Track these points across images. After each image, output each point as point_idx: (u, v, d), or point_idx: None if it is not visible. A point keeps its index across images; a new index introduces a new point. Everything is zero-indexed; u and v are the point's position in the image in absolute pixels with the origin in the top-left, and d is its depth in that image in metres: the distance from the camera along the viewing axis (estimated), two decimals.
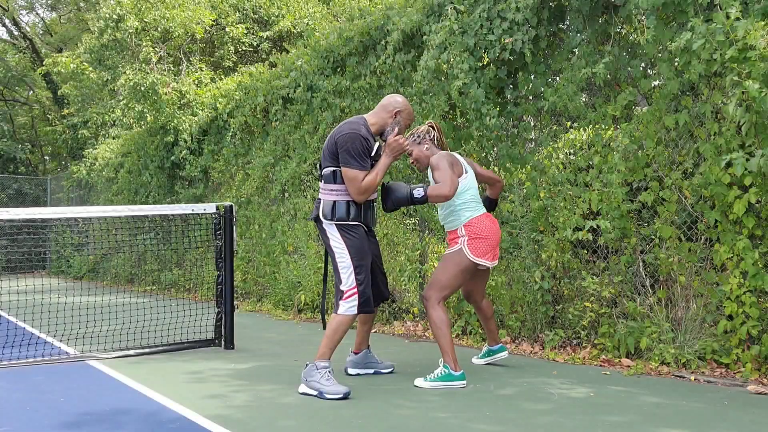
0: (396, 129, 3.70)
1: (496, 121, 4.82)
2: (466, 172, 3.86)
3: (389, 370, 4.08)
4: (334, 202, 3.63)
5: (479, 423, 2.94)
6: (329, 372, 3.52)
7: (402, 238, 6.06)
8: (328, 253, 3.71)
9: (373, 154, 3.66)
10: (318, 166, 3.76)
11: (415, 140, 3.93)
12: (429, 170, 3.85)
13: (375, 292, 3.82)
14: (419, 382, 3.69)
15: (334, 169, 3.62)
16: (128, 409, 3.26)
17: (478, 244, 3.74)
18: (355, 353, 4.05)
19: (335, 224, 3.63)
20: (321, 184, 3.71)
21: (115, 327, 6.11)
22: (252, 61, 12.14)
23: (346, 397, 3.40)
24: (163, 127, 10.45)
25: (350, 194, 3.61)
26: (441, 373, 3.65)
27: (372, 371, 4.05)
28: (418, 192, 3.66)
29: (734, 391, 3.48)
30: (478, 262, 3.75)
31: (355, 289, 3.57)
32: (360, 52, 6.36)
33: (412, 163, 3.97)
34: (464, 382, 3.65)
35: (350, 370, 4.05)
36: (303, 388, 3.55)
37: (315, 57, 6.91)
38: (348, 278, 3.58)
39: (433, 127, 3.99)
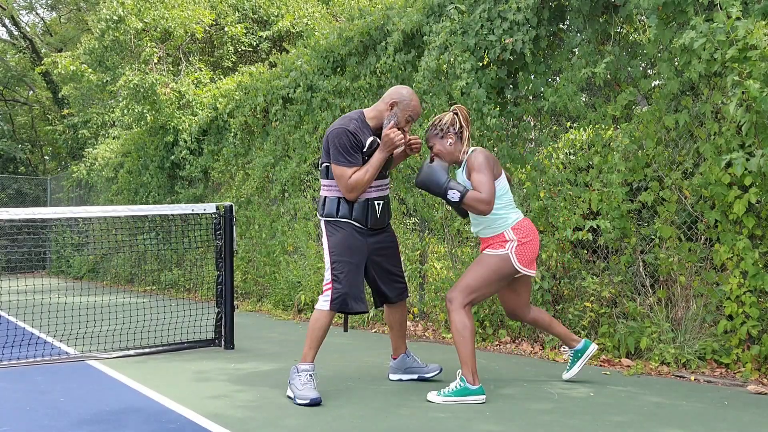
0: (392, 122, 3.45)
1: (497, 121, 4.82)
2: (503, 173, 3.46)
3: (435, 373, 3.79)
4: (325, 197, 3.56)
5: (479, 423, 2.93)
6: (309, 376, 3.38)
7: (402, 238, 6.06)
8: None
9: (365, 149, 3.47)
10: (318, 162, 3.69)
11: (437, 133, 3.46)
12: (463, 168, 3.44)
13: (378, 293, 3.70)
14: (432, 396, 3.33)
15: (328, 164, 3.51)
16: (128, 409, 3.26)
17: (526, 251, 3.35)
18: (394, 359, 3.87)
19: (324, 220, 3.55)
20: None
21: (115, 327, 6.11)
22: (252, 61, 12.14)
23: (313, 404, 3.24)
24: (163, 127, 10.45)
25: (341, 191, 3.48)
26: (457, 387, 3.30)
27: (415, 376, 3.82)
28: (453, 195, 3.27)
29: (734, 391, 3.48)
30: (522, 271, 3.37)
31: (330, 285, 3.43)
32: (360, 52, 6.36)
33: (434, 155, 3.49)
34: (483, 396, 3.30)
35: (392, 376, 3.87)
36: (288, 391, 3.47)
37: (315, 57, 6.91)
38: (326, 273, 3.48)
39: (457, 114, 3.49)
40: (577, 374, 3.71)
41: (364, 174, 3.43)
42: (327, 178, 3.55)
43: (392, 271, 3.69)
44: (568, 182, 4.58)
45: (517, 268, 3.35)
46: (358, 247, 3.50)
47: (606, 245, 4.51)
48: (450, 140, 3.45)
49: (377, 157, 3.45)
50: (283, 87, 7.42)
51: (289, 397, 3.43)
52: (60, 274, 15.23)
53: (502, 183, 3.42)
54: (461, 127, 3.47)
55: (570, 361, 3.73)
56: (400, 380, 3.84)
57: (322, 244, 3.60)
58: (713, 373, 3.81)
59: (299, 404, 3.29)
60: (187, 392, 3.61)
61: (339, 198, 3.51)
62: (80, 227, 14.45)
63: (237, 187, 8.79)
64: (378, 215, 3.56)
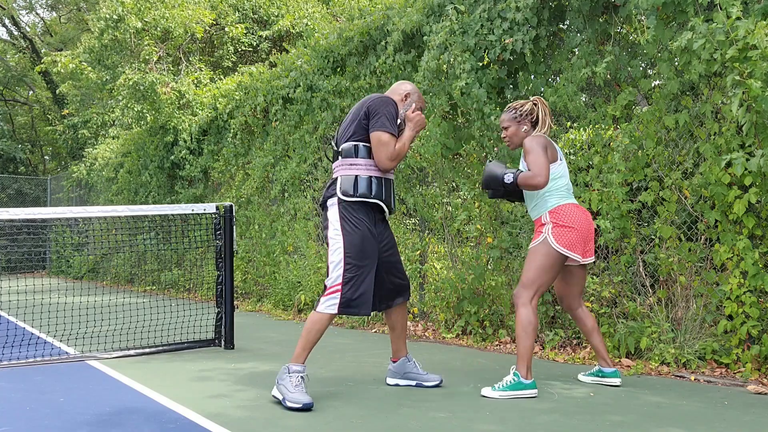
0: (413, 106, 3.52)
1: (498, 121, 4.82)
2: (561, 160, 3.53)
3: (435, 383, 3.61)
4: (356, 176, 3.33)
5: (479, 423, 2.93)
6: (300, 378, 3.23)
7: (402, 238, 6.06)
8: (326, 243, 3.42)
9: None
10: (333, 144, 3.50)
11: (515, 117, 3.60)
12: (522, 154, 3.57)
13: (381, 293, 3.56)
14: (487, 391, 3.37)
15: (356, 143, 3.35)
16: (128, 409, 3.26)
17: (564, 233, 3.38)
18: (393, 361, 3.71)
19: (345, 204, 3.32)
20: (337, 161, 3.42)
21: (115, 327, 6.11)
22: (252, 61, 12.15)
23: (305, 408, 3.11)
24: (162, 127, 10.45)
25: (379, 160, 3.32)
26: (511, 381, 3.34)
27: (414, 383, 3.65)
28: (508, 177, 3.44)
29: (734, 391, 3.48)
30: (564, 253, 3.38)
31: (339, 287, 3.24)
32: (360, 52, 6.36)
33: (504, 138, 3.68)
34: (535, 390, 3.36)
35: (389, 380, 3.71)
36: (274, 391, 3.30)
37: (315, 57, 6.91)
38: (334, 273, 3.27)
39: (536, 105, 3.60)
40: (585, 382, 3.71)
41: (404, 145, 3.38)
42: (356, 157, 3.36)
43: (398, 267, 3.61)
44: None
45: (558, 250, 3.38)
46: (374, 249, 3.37)
47: (606, 245, 4.51)
48: (525, 127, 3.61)
49: (408, 134, 3.43)
50: (283, 87, 7.42)
51: (275, 397, 3.32)
52: (60, 274, 15.23)
53: (557, 168, 3.50)
54: (539, 119, 3.58)
55: (593, 372, 3.71)
56: (397, 385, 3.71)
57: (327, 237, 3.37)
58: (713, 373, 3.81)
59: (289, 407, 3.17)
60: (186, 392, 3.61)
61: (371, 177, 3.36)
62: (80, 227, 14.46)
63: (237, 187, 8.80)
64: (394, 197, 3.52)
